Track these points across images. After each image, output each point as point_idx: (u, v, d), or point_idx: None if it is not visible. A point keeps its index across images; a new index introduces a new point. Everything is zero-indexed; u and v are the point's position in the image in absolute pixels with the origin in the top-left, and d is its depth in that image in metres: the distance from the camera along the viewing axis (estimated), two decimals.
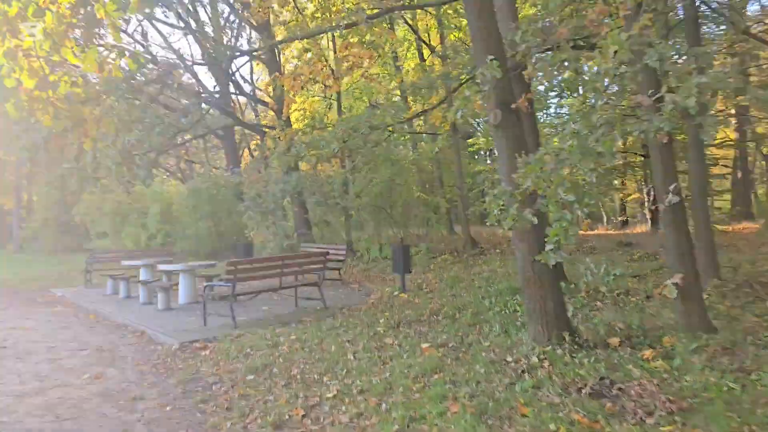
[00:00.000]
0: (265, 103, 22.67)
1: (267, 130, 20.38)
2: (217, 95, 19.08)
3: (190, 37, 22.88)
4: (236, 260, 9.25)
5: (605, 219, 31.27)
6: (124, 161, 8.94)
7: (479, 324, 7.96)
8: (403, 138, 20.78)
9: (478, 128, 26.73)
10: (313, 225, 22.10)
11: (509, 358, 6.02)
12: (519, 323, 7.63)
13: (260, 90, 29.04)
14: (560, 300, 6.38)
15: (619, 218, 30.62)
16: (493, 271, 13.86)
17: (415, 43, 23.98)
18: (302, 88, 18.16)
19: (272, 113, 28.45)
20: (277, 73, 19.10)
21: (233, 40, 23.64)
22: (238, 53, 15.74)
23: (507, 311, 8.44)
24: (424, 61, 23.52)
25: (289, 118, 21.87)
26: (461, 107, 5.98)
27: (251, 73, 33.17)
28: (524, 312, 6.94)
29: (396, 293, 11.58)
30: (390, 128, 10.75)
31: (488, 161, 27.44)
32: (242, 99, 35.98)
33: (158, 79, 12.04)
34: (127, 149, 8.82)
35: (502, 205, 5.51)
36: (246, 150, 35.20)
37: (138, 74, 11.68)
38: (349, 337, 7.61)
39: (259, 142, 35.16)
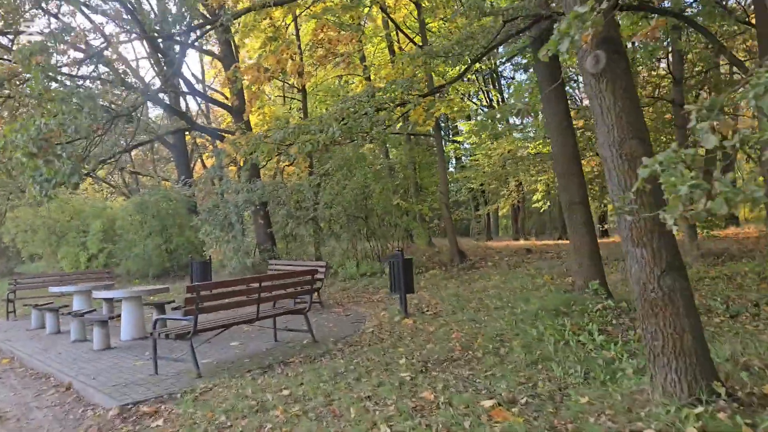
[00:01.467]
0: (221, 104, 20.16)
1: (226, 135, 17.88)
2: (164, 87, 16.49)
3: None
4: (198, 284, 6.86)
5: None
6: (40, 152, 6.44)
7: (540, 363, 5.82)
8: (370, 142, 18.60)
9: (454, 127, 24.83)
10: (278, 239, 19.68)
11: (641, 427, 3.86)
12: (602, 362, 5.51)
13: (215, 90, 26.47)
14: (700, 332, 4.27)
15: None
16: (498, 287, 11.80)
17: (385, 40, 21.94)
18: (269, 80, 15.94)
19: (228, 119, 25.96)
20: (236, 65, 16.74)
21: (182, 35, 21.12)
22: (191, 28, 13.23)
23: (571, 343, 6.31)
24: (394, 55, 21.49)
25: (248, 121, 19.46)
26: (555, 45, 3.84)
27: (202, 73, 30.54)
28: (643, 350, 4.81)
29: (397, 318, 9.34)
30: (399, 109, 8.50)
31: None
32: (193, 105, 33.27)
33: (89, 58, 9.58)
34: (43, 135, 6.32)
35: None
36: (198, 162, 32.44)
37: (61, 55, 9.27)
38: (366, 389, 5.33)
39: (212, 149, 32.52)
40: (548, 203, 29.19)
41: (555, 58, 5.72)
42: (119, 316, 9.09)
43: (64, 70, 11.09)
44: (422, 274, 15.32)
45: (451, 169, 30.71)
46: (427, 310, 10.09)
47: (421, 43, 16.68)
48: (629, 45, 15.10)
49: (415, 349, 6.98)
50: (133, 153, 30.19)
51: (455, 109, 18.56)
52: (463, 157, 29.89)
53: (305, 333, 8.31)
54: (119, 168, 29.44)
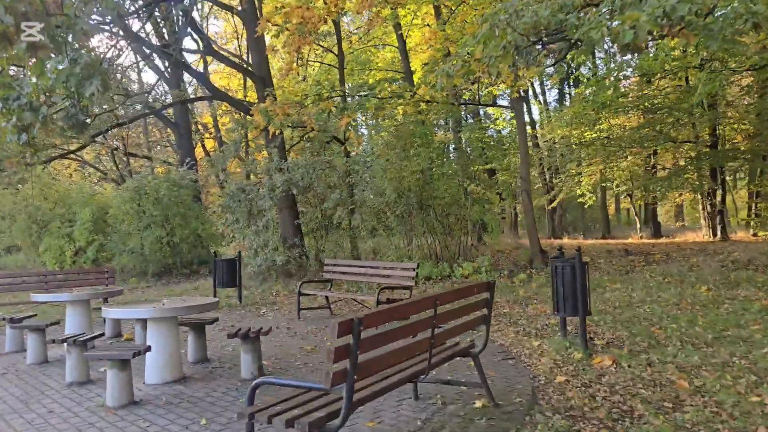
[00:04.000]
0: (242, 69, 16.67)
1: (252, 105, 14.43)
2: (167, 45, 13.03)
3: None
4: (356, 318, 3.47)
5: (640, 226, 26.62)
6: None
7: None
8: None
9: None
10: (305, 234, 16.30)
11: None
12: None
13: (234, 55, 22.91)
14: None
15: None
16: (652, 300, 8.63)
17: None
18: (310, 33, 12.65)
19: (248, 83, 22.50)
20: (264, 19, 13.37)
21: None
22: None
23: None
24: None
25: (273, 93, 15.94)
26: None
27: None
28: None
29: (576, 354, 6.09)
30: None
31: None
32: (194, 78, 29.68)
33: None
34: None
35: None
36: (199, 145, 28.81)
37: None
38: None
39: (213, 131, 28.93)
40: (595, 197, 26.10)
41: None
42: (148, 349, 5.70)
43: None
44: (506, 279, 12.08)
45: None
46: (597, 339, 6.87)
47: None
48: None
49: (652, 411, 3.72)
50: (124, 134, 26.55)
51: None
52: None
53: (472, 387, 4.99)
54: (111, 149, 25.76)
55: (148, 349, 5.64)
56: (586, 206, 26.37)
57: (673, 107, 17.11)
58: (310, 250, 16.13)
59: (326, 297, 10.34)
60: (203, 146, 28.75)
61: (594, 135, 18.82)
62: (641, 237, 24.45)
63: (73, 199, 19.74)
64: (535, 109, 29.23)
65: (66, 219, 18.94)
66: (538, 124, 26.54)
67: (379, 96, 12.68)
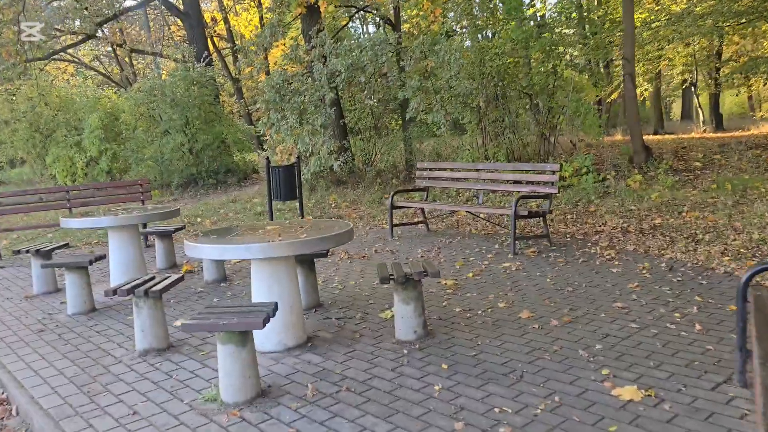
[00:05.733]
0: None
1: None
2: None
3: None
4: None
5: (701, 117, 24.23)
6: None
7: None
8: None
9: None
10: (352, 134, 14.08)
11: None
12: None
13: None
14: None
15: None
16: None
17: None
18: None
19: None
20: None
21: None
22: None
23: None
24: None
25: None
26: None
27: None
28: None
29: None
30: None
31: None
32: None
33: None
34: None
35: None
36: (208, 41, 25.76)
37: None
38: None
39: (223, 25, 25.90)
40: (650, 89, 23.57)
41: None
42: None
43: None
44: (620, 180, 9.97)
45: None
46: None
47: None
48: None
49: None
50: (124, 27, 23.58)
51: None
52: None
53: None
54: (114, 44, 22.91)
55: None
56: (642, 98, 23.88)
57: None
58: (355, 154, 13.95)
59: (422, 210, 8.28)
60: (214, 44, 25.78)
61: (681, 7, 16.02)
62: (704, 131, 22.17)
63: (77, 105, 17.31)
64: None
65: (72, 126, 16.60)
66: None
67: None
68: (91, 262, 5.27)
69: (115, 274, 6.01)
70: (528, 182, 7.12)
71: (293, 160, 11.74)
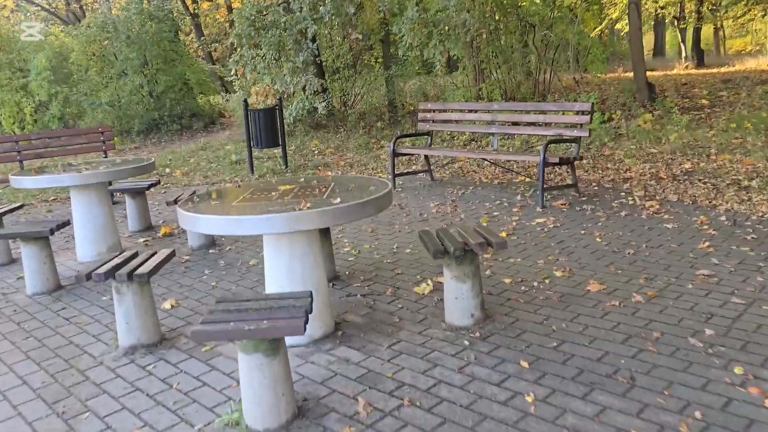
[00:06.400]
0: None
1: None
2: None
3: None
4: None
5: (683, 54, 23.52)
6: None
7: None
8: None
9: None
10: (329, 74, 13.01)
11: None
12: None
13: None
14: None
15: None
16: None
17: None
18: None
19: None
20: None
21: None
22: None
23: None
24: None
25: None
26: None
27: None
28: None
29: None
30: None
31: None
32: None
33: None
34: None
35: None
36: None
37: None
38: None
39: None
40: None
41: None
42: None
43: None
44: (627, 120, 9.25)
45: None
46: None
47: None
48: None
49: None
50: None
51: None
52: None
53: None
54: None
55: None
56: (622, 33, 23.04)
57: None
58: (333, 95, 12.90)
59: (425, 157, 7.41)
60: None
61: None
62: (686, 67, 21.58)
63: (21, 44, 15.63)
64: None
65: (16, 68, 15.00)
66: None
67: None
68: (52, 231, 4.30)
69: (82, 242, 5.05)
70: (549, 124, 6.28)
71: (271, 102, 10.66)
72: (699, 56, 22.42)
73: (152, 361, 3.19)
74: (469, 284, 3.25)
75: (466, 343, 3.11)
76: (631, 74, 11.13)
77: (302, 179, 3.76)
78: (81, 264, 5.07)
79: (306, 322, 2.37)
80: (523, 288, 3.80)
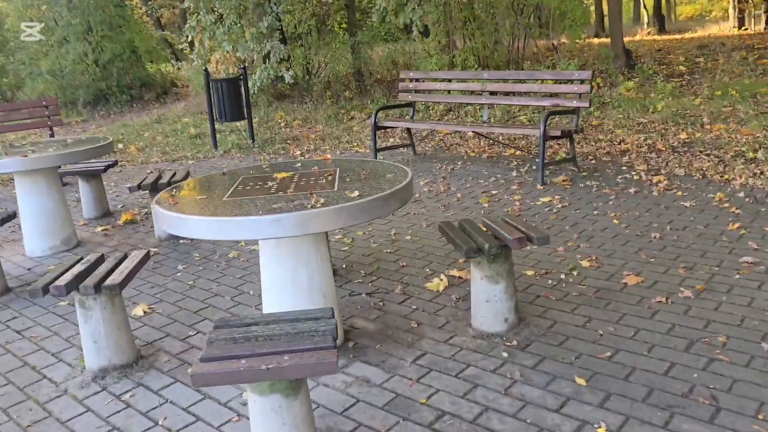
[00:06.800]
0: None
1: None
2: None
3: None
4: None
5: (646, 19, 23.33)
6: None
7: None
8: None
9: None
10: (290, 40, 12.26)
11: None
12: None
13: None
14: None
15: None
16: None
17: None
18: None
19: None
20: None
21: None
22: None
23: None
24: None
25: None
26: None
27: None
28: None
29: None
30: None
31: None
32: None
33: None
34: None
35: None
36: None
37: None
38: None
39: None
40: None
41: None
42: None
43: None
44: (608, 89, 8.91)
45: None
46: None
47: None
48: None
49: None
50: None
51: None
52: None
53: None
54: None
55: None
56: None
57: None
58: (296, 63, 12.17)
59: (408, 130, 6.89)
60: None
61: None
62: (648, 33, 21.45)
63: None
64: None
65: None
66: None
67: None
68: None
69: (31, 235, 4.40)
70: (538, 93, 5.83)
71: (233, 71, 9.91)
72: (660, 22, 22.35)
73: (129, 387, 2.65)
74: (503, 285, 2.79)
75: (505, 354, 2.66)
76: (601, 41, 10.77)
77: (299, 164, 3.21)
78: (30, 260, 4.42)
79: (338, 353, 1.87)
80: (550, 281, 3.37)
